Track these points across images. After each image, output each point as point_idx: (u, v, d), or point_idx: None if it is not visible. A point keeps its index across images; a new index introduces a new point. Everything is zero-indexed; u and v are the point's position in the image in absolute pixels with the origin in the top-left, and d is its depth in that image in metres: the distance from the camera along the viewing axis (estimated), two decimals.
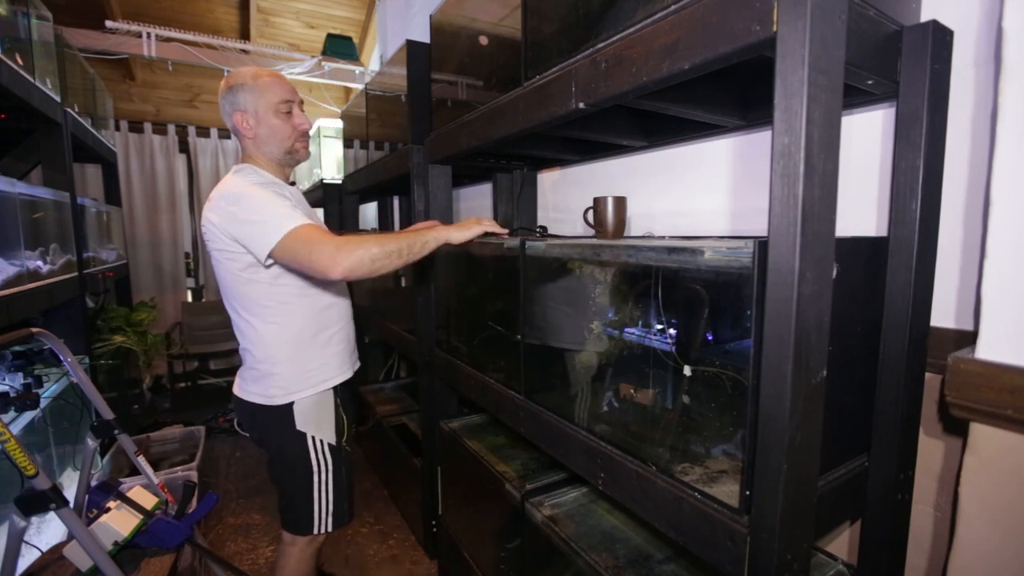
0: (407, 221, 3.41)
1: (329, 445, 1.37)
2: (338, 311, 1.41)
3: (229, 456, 3.09)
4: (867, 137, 1.03)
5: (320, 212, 3.69)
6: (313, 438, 1.35)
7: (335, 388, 1.41)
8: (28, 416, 1.65)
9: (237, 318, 1.33)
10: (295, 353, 1.32)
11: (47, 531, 1.69)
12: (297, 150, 1.37)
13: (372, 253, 1.13)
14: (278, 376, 1.31)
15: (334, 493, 1.38)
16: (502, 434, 1.74)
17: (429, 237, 1.25)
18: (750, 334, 0.72)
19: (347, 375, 1.45)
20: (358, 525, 2.37)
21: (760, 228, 1.20)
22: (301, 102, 1.39)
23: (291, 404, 1.32)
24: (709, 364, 0.85)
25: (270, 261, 1.20)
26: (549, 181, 2.05)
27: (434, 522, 2.01)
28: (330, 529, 1.40)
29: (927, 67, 0.81)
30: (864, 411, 0.91)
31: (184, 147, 4.42)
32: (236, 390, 1.41)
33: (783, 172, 0.64)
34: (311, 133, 1.42)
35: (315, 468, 1.35)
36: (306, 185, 3.83)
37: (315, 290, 1.34)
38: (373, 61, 4.33)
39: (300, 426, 1.33)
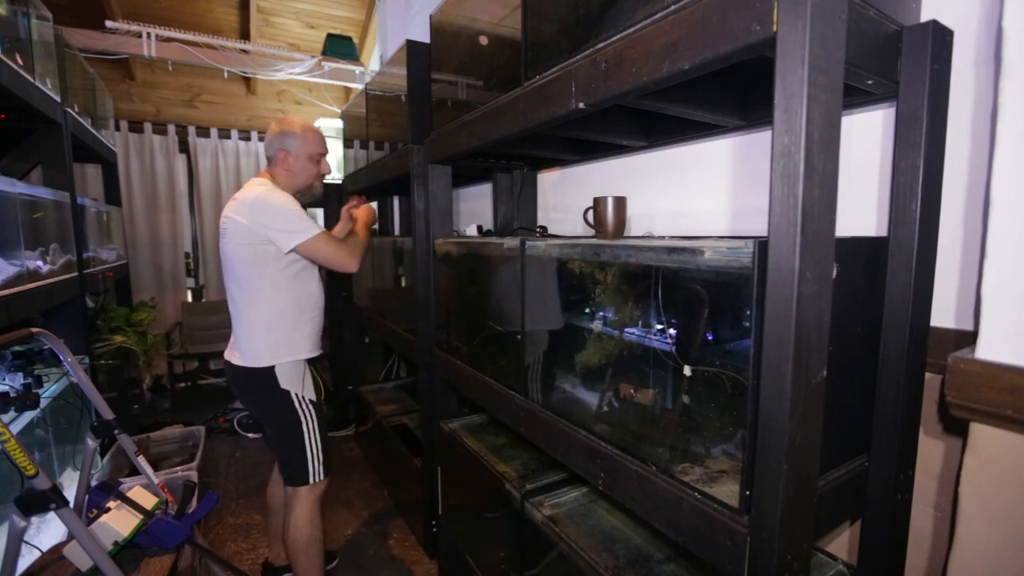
0: (407, 222, 3.41)
1: (311, 401, 1.67)
2: (314, 300, 1.72)
3: (229, 456, 3.09)
4: (867, 137, 1.03)
5: (320, 212, 3.69)
6: (296, 395, 1.64)
7: (307, 360, 1.71)
8: (28, 416, 1.65)
9: (239, 294, 1.61)
10: (280, 325, 1.62)
11: (47, 531, 1.69)
12: (315, 187, 1.77)
13: (360, 254, 1.68)
14: (264, 341, 1.61)
15: (322, 442, 1.67)
16: (502, 434, 1.74)
17: (359, 228, 1.81)
18: (750, 334, 0.72)
19: (316, 353, 1.74)
20: (358, 525, 2.37)
21: (760, 228, 1.20)
22: (327, 152, 1.78)
23: (273, 367, 1.60)
24: (709, 364, 0.85)
25: (291, 253, 1.57)
26: (549, 181, 2.05)
27: (434, 522, 2.01)
28: (322, 477, 1.67)
29: (927, 67, 0.81)
30: (864, 411, 0.91)
31: (184, 147, 4.41)
32: (228, 356, 1.68)
33: (783, 172, 0.64)
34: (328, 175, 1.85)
35: (302, 420, 1.63)
36: None
37: (301, 280, 1.66)
38: (373, 61, 4.33)
39: (284, 385, 1.62)
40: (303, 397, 1.65)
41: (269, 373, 1.60)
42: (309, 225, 1.56)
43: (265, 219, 1.53)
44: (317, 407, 1.68)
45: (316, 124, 2.97)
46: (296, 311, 1.66)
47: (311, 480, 1.65)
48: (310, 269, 1.69)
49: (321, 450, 1.66)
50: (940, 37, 0.83)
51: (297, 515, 1.66)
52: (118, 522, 1.31)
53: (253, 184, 1.63)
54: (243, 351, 1.62)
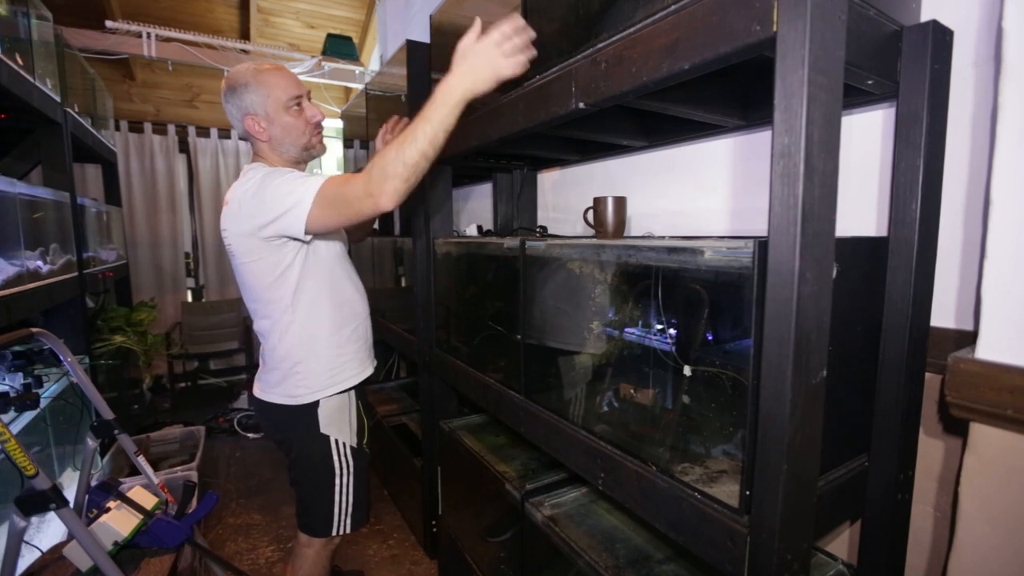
0: (406, 222, 3.41)
1: (351, 448, 1.38)
2: (351, 308, 1.39)
3: (229, 456, 3.09)
4: (867, 137, 1.03)
5: None
6: (336, 441, 1.35)
7: (355, 388, 1.41)
8: (28, 416, 1.65)
9: (259, 319, 1.33)
10: (318, 351, 1.32)
11: (47, 531, 1.69)
12: (313, 145, 1.34)
13: (399, 172, 1.03)
14: (302, 375, 1.31)
15: (354, 495, 1.39)
16: (502, 434, 1.74)
17: (447, 105, 1.02)
18: (750, 334, 0.72)
19: (366, 373, 1.44)
20: None
21: (760, 228, 1.20)
22: (309, 93, 1.34)
23: (316, 403, 1.32)
24: (709, 364, 0.85)
25: (309, 237, 1.20)
26: (549, 181, 2.05)
27: (434, 522, 2.01)
28: (348, 531, 1.40)
29: (927, 67, 0.81)
30: (864, 411, 0.91)
31: (184, 147, 4.41)
32: (256, 392, 1.40)
33: (783, 172, 0.64)
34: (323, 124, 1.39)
35: (337, 471, 1.36)
36: None
37: (333, 288, 1.34)
38: (373, 61, 4.33)
39: (324, 429, 1.33)
40: (344, 444, 1.36)
41: (309, 412, 1.32)
42: (306, 183, 1.12)
43: (268, 213, 1.14)
44: (358, 455, 1.40)
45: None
46: (336, 326, 1.33)
47: (333, 533, 1.38)
48: (340, 267, 1.37)
49: (352, 503, 1.38)
50: (940, 37, 0.83)
51: (301, 570, 1.42)
52: (118, 522, 1.31)
53: (243, 174, 1.26)
54: (274, 385, 1.33)
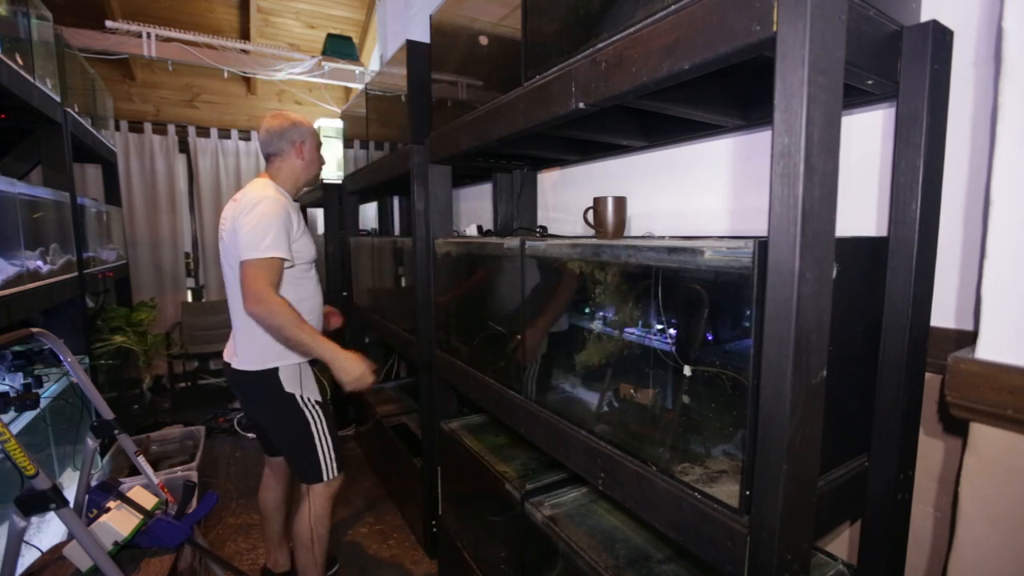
0: (407, 221, 3.41)
1: (316, 401, 1.66)
2: (310, 304, 1.68)
3: (229, 456, 3.09)
4: (867, 137, 1.03)
5: (320, 212, 3.65)
6: (301, 396, 1.62)
7: (309, 363, 1.69)
8: (28, 416, 1.65)
9: (236, 294, 1.56)
10: None
11: (47, 531, 1.69)
12: (319, 175, 1.84)
13: (272, 324, 1.46)
14: (262, 344, 1.58)
15: (332, 440, 1.66)
16: (502, 434, 1.74)
17: (322, 352, 1.52)
18: (750, 334, 0.72)
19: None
20: (358, 525, 2.37)
21: (760, 228, 1.20)
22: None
23: (276, 369, 1.59)
24: (709, 364, 0.85)
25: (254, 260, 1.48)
26: (549, 181, 2.05)
27: (434, 522, 2.01)
28: (336, 473, 1.67)
29: (927, 67, 0.81)
30: (864, 411, 0.91)
31: (184, 147, 4.41)
32: (227, 356, 1.68)
33: (783, 172, 0.64)
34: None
35: (310, 420, 1.62)
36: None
37: (296, 286, 1.63)
38: (373, 61, 4.33)
39: (288, 388, 1.60)
40: (308, 399, 1.63)
41: (273, 376, 1.58)
42: (271, 244, 1.46)
43: (246, 219, 1.48)
44: (324, 407, 1.67)
45: (316, 124, 3.05)
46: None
47: (325, 477, 1.64)
48: (308, 272, 1.69)
49: (332, 448, 1.66)
50: (940, 37, 0.83)
51: (307, 510, 1.65)
52: (118, 522, 1.31)
53: (255, 186, 1.58)
54: (244, 354, 1.60)
